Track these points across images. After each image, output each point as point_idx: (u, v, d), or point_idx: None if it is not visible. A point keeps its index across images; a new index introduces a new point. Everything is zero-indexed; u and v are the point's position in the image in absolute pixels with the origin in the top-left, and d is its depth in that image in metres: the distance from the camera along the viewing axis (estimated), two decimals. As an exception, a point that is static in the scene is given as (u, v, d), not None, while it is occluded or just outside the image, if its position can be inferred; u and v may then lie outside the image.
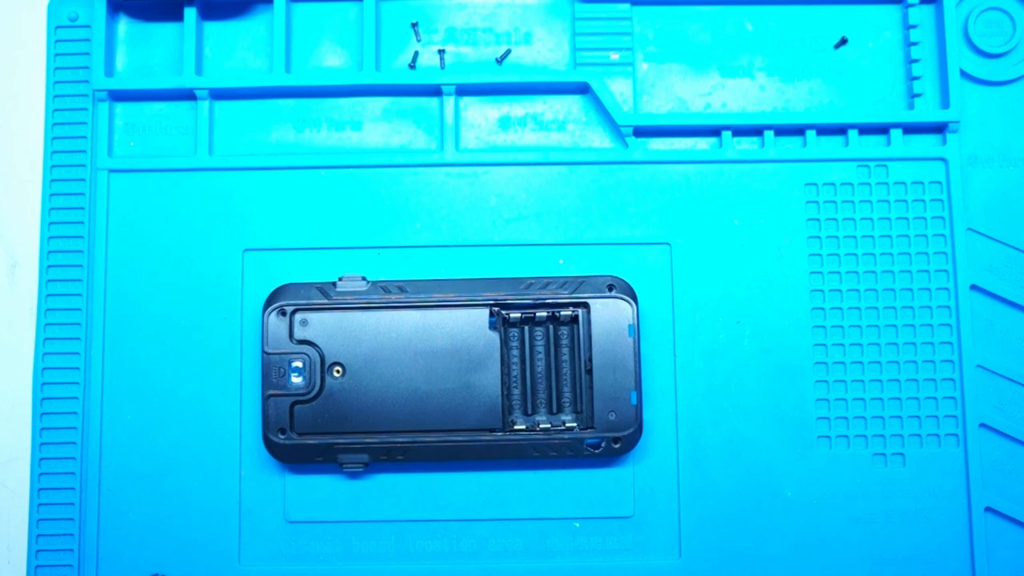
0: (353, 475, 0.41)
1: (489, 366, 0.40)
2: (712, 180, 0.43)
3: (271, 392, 0.40)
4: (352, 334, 0.40)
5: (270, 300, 0.40)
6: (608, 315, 0.40)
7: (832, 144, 0.43)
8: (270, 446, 0.40)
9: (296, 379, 0.40)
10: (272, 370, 0.40)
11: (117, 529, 0.41)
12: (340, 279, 0.40)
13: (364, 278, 0.41)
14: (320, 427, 0.40)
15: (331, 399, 0.40)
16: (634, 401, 0.40)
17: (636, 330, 0.40)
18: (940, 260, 0.42)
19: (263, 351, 0.40)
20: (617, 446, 0.40)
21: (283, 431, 0.40)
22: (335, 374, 0.40)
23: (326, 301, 0.40)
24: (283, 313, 0.40)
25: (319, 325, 0.40)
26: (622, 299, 0.40)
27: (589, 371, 0.40)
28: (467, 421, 0.40)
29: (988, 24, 0.44)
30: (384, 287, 0.40)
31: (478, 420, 0.40)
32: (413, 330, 0.40)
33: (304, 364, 0.40)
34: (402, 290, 0.40)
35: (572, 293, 0.40)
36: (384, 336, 0.40)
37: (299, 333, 0.40)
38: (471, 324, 0.40)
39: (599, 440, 0.40)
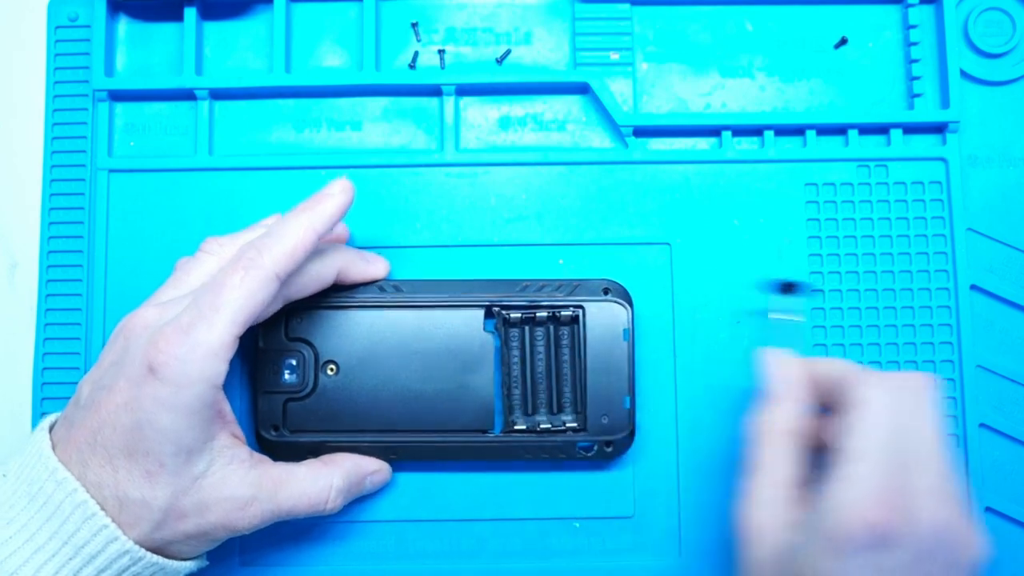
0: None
1: (483, 367, 0.40)
2: (712, 180, 0.43)
3: (264, 389, 0.40)
4: (347, 332, 0.40)
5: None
6: (603, 319, 0.40)
7: (832, 144, 0.43)
8: (262, 443, 0.40)
9: (290, 376, 0.39)
10: (266, 367, 0.40)
11: (117, 529, 0.41)
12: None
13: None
14: (313, 425, 0.39)
15: (324, 397, 0.39)
16: (627, 405, 0.39)
17: (631, 334, 0.40)
18: (940, 260, 0.42)
19: (257, 347, 0.40)
20: (609, 450, 0.39)
21: (276, 428, 0.39)
22: (329, 372, 0.39)
23: (322, 299, 0.39)
24: (278, 310, 0.39)
25: (314, 323, 0.40)
26: (617, 303, 0.40)
27: (583, 374, 0.40)
28: (460, 422, 0.39)
29: (988, 24, 0.44)
30: (380, 286, 0.40)
31: (471, 421, 0.40)
32: (408, 330, 0.40)
33: (298, 362, 0.39)
34: (398, 289, 0.40)
35: (567, 296, 0.40)
36: (379, 335, 0.40)
37: (294, 330, 0.40)
38: (466, 325, 0.40)
39: (591, 444, 0.40)
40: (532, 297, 0.40)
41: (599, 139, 0.44)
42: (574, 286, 0.40)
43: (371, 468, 0.40)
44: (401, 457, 0.40)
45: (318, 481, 0.37)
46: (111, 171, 0.43)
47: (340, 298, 0.40)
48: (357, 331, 0.40)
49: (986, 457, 0.42)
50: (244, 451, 0.36)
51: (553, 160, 0.43)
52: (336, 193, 0.36)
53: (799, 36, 0.44)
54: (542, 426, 0.40)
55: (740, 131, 0.43)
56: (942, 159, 0.43)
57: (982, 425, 0.42)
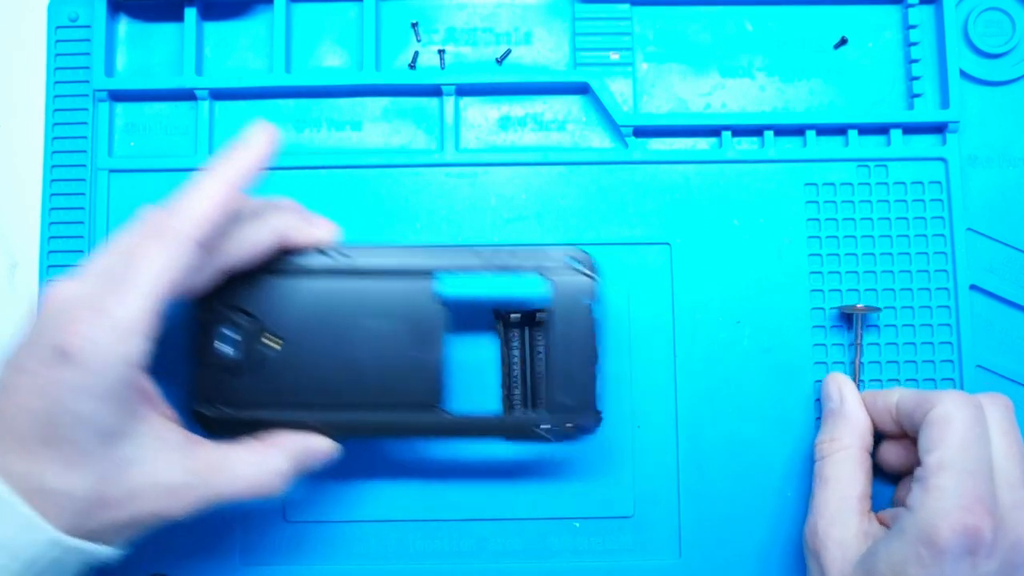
0: (347, 478, 0.41)
1: (433, 339, 0.37)
2: (712, 180, 0.43)
3: (201, 362, 0.37)
4: (289, 301, 0.37)
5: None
6: (567, 291, 0.37)
7: (832, 144, 0.43)
8: (200, 420, 0.37)
9: (228, 349, 0.37)
10: (202, 339, 0.37)
11: (117, 529, 0.41)
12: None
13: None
14: (253, 400, 0.36)
15: (265, 371, 0.37)
16: (592, 384, 0.37)
17: (598, 308, 0.37)
18: (940, 260, 0.42)
19: (192, 319, 0.37)
20: (571, 429, 0.37)
21: (214, 404, 0.36)
22: (270, 344, 0.37)
23: (262, 265, 0.36)
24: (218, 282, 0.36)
25: (253, 291, 0.37)
26: (583, 273, 0.37)
27: (544, 351, 0.38)
28: (409, 397, 0.37)
29: (988, 24, 0.44)
30: (326, 251, 0.37)
31: (420, 396, 0.37)
32: (355, 299, 0.37)
33: (236, 333, 0.36)
34: (344, 255, 0.37)
35: (526, 263, 0.37)
36: (323, 304, 0.37)
37: (232, 300, 0.37)
38: (417, 293, 0.37)
39: (554, 426, 0.37)
40: (487, 263, 0.37)
41: (599, 139, 0.44)
42: (533, 253, 0.37)
43: (316, 447, 0.36)
44: (347, 435, 0.37)
45: (261, 464, 0.35)
46: (111, 171, 0.43)
47: (282, 264, 0.37)
48: (300, 300, 0.37)
49: (986, 457, 0.42)
50: (176, 433, 0.34)
51: (553, 160, 0.43)
52: (255, 141, 0.34)
53: (799, 36, 0.44)
54: (542, 426, 0.40)
55: (740, 131, 0.43)
56: (942, 159, 0.43)
57: (982, 425, 0.42)
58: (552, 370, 0.37)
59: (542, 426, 0.37)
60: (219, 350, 0.37)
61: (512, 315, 0.40)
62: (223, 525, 0.41)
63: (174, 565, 0.41)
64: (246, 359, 0.37)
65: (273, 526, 0.41)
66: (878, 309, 0.41)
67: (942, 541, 0.32)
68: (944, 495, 0.32)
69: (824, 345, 0.42)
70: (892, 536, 0.34)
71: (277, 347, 0.37)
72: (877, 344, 0.42)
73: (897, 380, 0.42)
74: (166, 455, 0.33)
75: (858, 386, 0.41)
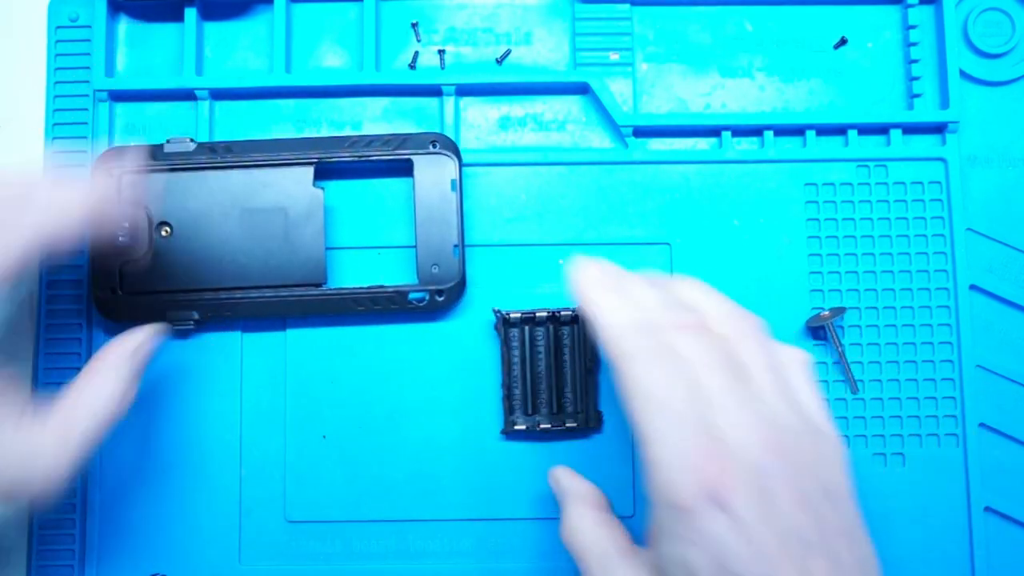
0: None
1: (313, 222, 0.40)
2: (712, 180, 0.43)
3: (99, 253, 0.40)
4: (180, 194, 0.40)
5: (99, 162, 0.41)
6: (432, 172, 0.41)
7: (832, 144, 0.43)
8: (99, 305, 0.40)
9: (124, 239, 0.40)
10: (100, 230, 0.39)
11: (117, 529, 0.41)
12: (168, 140, 0.41)
13: (192, 139, 0.41)
14: (149, 286, 0.40)
15: (159, 258, 0.40)
16: (456, 255, 0.40)
17: (459, 185, 0.41)
18: (940, 260, 0.42)
19: (91, 210, 0.39)
20: (440, 299, 0.40)
21: (113, 290, 0.40)
22: (163, 234, 0.40)
23: (154, 162, 0.40)
24: (111, 175, 0.39)
25: (147, 186, 0.40)
26: (445, 155, 0.41)
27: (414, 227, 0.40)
28: (294, 277, 0.40)
29: (988, 24, 0.44)
30: (211, 147, 0.41)
31: (305, 276, 0.40)
32: (239, 189, 0.40)
33: (131, 225, 0.40)
34: (229, 150, 0.41)
35: (395, 150, 0.41)
36: (211, 196, 0.40)
37: (127, 194, 0.40)
38: (296, 182, 0.41)
39: (423, 295, 0.40)
40: (361, 153, 0.41)
41: (599, 139, 0.44)
42: (402, 140, 0.41)
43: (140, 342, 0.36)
44: (237, 314, 0.41)
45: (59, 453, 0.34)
46: (111, 171, 0.43)
47: (172, 160, 0.40)
48: (189, 193, 0.40)
49: (986, 457, 0.42)
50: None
51: (553, 160, 0.43)
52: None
53: (799, 36, 0.44)
54: (542, 426, 0.40)
55: (740, 131, 0.43)
56: (941, 159, 0.43)
57: (982, 425, 0.42)
58: (420, 243, 0.41)
59: (412, 295, 0.40)
60: (115, 241, 0.40)
61: (512, 314, 0.40)
62: (223, 525, 0.41)
63: (174, 565, 0.41)
64: (141, 248, 0.40)
65: (273, 526, 0.41)
66: (844, 309, 0.41)
67: (690, 511, 0.27)
68: (663, 468, 0.28)
69: (824, 345, 0.42)
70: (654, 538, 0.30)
71: (169, 236, 0.40)
72: (877, 344, 0.42)
73: (897, 380, 0.42)
74: None
75: (854, 388, 0.41)
